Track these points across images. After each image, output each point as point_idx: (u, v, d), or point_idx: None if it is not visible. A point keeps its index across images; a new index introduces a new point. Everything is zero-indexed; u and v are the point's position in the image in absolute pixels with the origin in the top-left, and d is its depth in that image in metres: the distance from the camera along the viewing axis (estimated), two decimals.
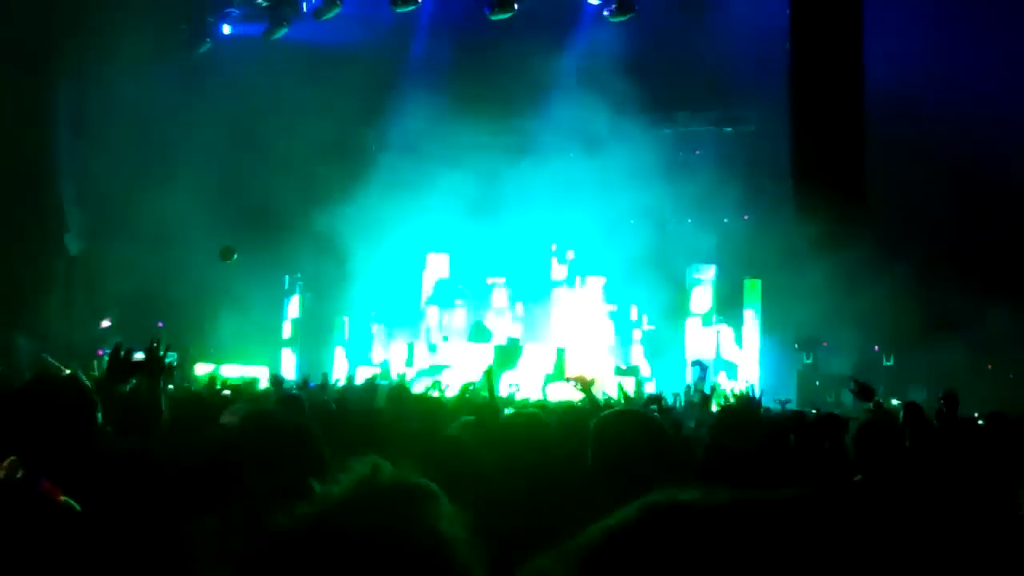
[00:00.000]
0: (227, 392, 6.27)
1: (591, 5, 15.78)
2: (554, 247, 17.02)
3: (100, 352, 11.06)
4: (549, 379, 12.97)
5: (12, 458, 2.00)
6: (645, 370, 15.88)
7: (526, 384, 12.45)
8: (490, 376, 4.94)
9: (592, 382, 6.21)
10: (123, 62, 13.19)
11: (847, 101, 14.70)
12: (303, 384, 10.14)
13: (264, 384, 8.96)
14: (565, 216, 16.18)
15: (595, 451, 2.65)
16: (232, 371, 12.42)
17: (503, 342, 15.25)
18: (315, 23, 15.50)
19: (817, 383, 15.07)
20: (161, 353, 3.48)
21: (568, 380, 10.47)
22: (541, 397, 10.35)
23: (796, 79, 15.03)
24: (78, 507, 1.97)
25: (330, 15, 15.20)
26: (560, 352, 14.71)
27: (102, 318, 14.52)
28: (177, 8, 15.25)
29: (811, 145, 14.94)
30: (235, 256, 12.33)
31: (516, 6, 14.52)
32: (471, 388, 6.23)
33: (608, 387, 11.37)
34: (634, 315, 16.72)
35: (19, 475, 1.95)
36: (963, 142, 13.59)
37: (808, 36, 14.88)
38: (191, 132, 14.45)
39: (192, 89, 14.94)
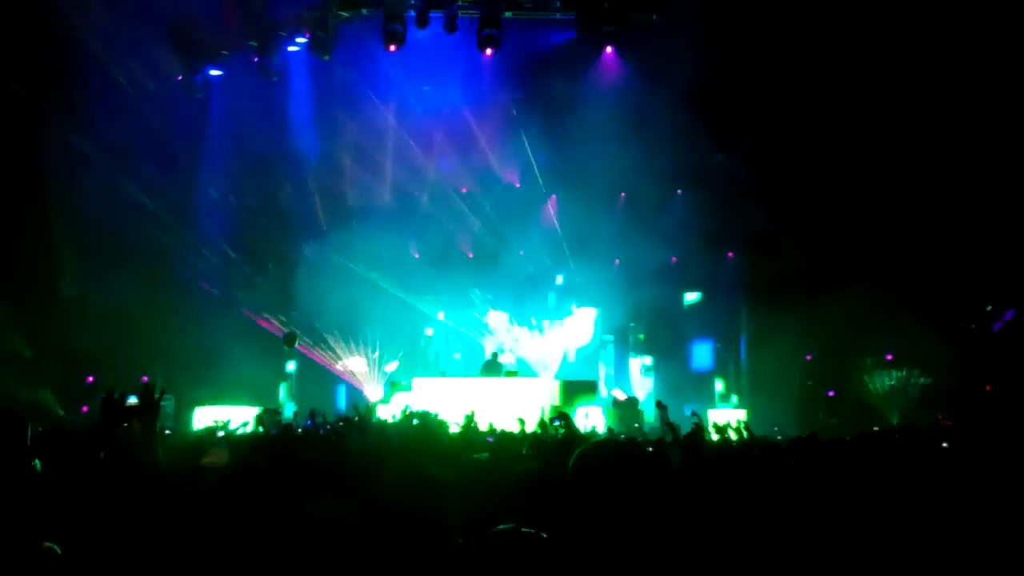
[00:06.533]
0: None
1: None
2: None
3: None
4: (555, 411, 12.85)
5: None
6: None
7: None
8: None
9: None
10: (116, 100, 13.16)
11: None
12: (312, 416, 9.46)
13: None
14: None
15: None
16: (231, 413, 12.27)
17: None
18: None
19: None
20: (156, 396, 3.45)
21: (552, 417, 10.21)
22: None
23: None
24: (59, 550, 1.94)
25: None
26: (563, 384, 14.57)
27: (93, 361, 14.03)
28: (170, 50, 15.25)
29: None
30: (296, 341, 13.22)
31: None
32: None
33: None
34: None
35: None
36: None
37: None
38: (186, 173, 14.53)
39: (187, 128, 15.00)
